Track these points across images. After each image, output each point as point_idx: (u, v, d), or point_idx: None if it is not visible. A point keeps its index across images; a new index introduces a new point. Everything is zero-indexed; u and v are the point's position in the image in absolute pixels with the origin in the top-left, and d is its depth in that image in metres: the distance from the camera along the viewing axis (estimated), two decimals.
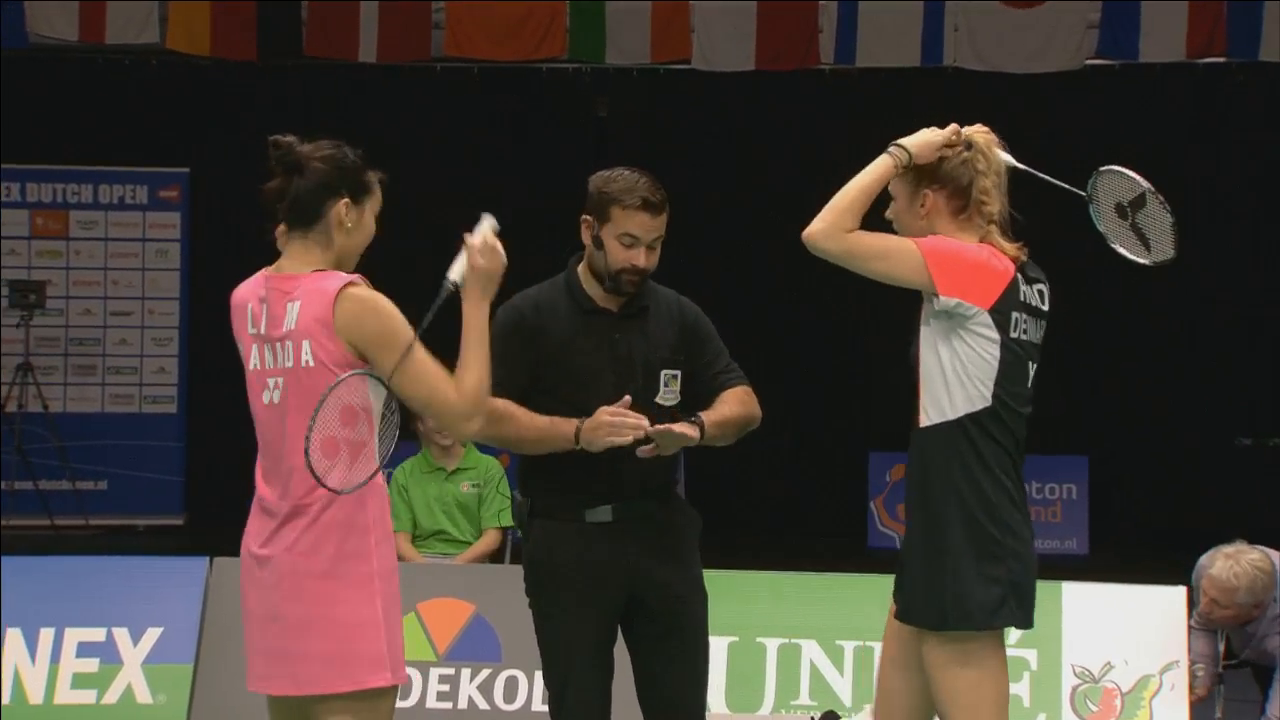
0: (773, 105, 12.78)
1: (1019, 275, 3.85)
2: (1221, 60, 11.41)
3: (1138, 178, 3.84)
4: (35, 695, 6.10)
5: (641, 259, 4.28)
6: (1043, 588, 6.12)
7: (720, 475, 10.90)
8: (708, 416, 4.28)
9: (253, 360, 3.64)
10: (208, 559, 6.37)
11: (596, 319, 4.33)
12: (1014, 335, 3.81)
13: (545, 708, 5.97)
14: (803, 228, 3.95)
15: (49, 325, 12.59)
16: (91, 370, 12.87)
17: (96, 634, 6.21)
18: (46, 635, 6.20)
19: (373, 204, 3.65)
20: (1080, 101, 12.28)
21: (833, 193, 4.02)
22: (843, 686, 6.07)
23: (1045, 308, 3.92)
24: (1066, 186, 3.85)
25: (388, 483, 7.16)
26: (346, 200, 3.59)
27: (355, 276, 3.58)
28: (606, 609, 4.33)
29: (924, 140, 3.89)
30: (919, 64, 11.56)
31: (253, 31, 11.68)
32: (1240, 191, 12.80)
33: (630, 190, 4.26)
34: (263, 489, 3.62)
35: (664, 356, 4.35)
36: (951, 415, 3.80)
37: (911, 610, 3.84)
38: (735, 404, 4.37)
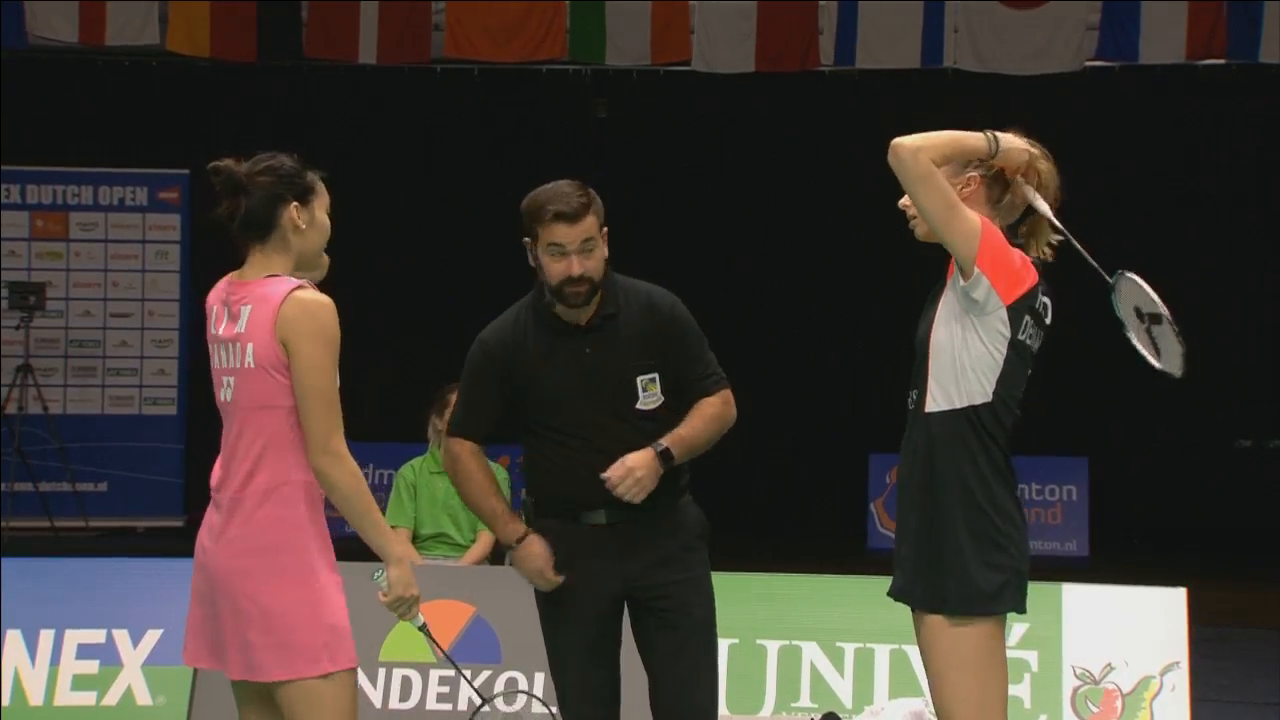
0: (773, 107, 12.79)
1: (1039, 284, 3.90)
2: (1221, 62, 11.42)
3: (1159, 301, 3.87)
4: (35, 697, 6.10)
5: (575, 267, 4.27)
6: (1043, 589, 6.15)
7: (721, 476, 10.91)
8: (671, 441, 4.29)
9: (214, 359, 3.86)
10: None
11: (565, 337, 4.35)
12: (1020, 337, 3.85)
13: (544, 709, 6.01)
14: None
15: (49, 327, 12.59)
16: (91, 372, 12.87)
17: (96, 635, 6.21)
18: (46, 637, 6.19)
19: (320, 202, 3.86)
20: (1080, 103, 12.28)
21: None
22: (843, 688, 6.06)
23: (1048, 320, 3.98)
24: (1094, 264, 3.87)
25: (393, 479, 7.21)
26: (295, 204, 3.80)
27: (304, 281, 3.77)
28: (604, 610, 4.35)
29: (1011, 146, 3.90)
30: (919, 65, 11.56)
31: (253, 33, 11.68)
32: (1240, 193, 12.80)
33: (545, 204, 4.30)
34: (214, 481, 3.85)
35: (636, 363, 4.34)
36: (959, 404, 3.83)
37: (912, 592, 3.85)
38: (700, 420, 4.36)
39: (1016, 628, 6.01)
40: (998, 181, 3.93)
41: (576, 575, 4.29)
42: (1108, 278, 3.90)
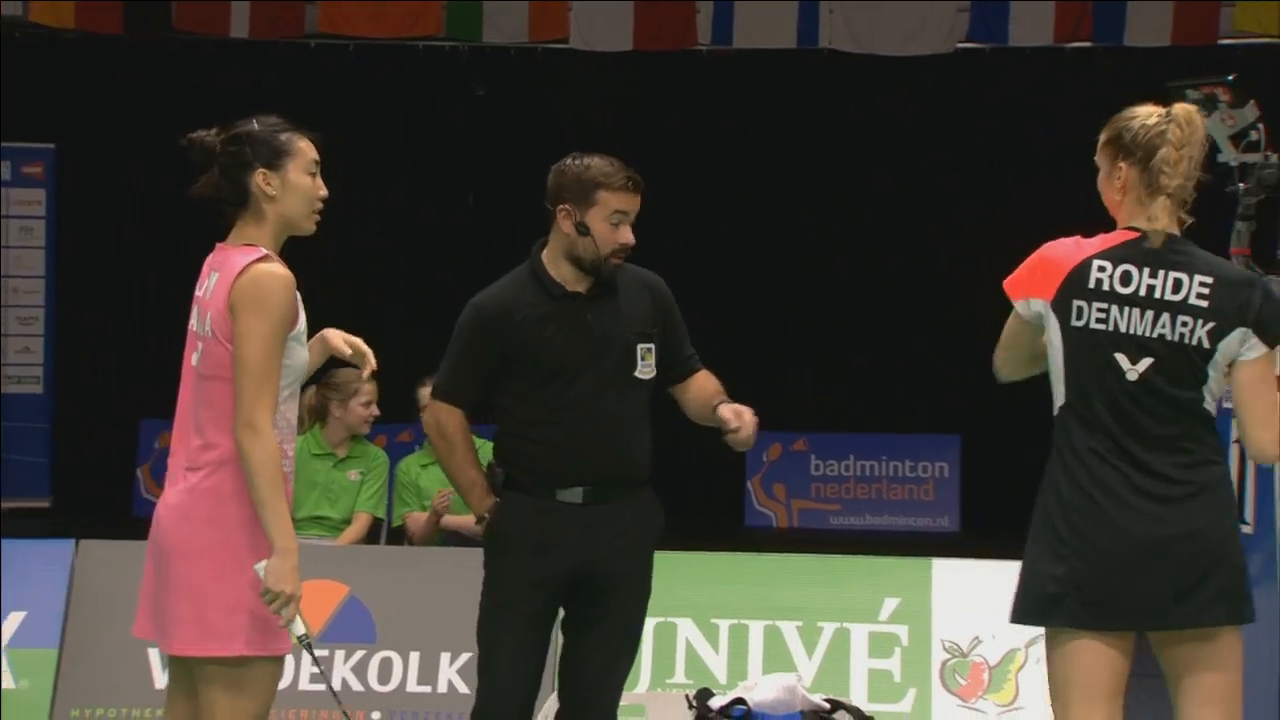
0: (652, 86, 12.79)
1: (1092, 261, 3.64)
2: (1088, 45, 11.64)
3: None
4: None
5: (630, 236, 4.36)
6: (913, 564, 6.25)
7: None
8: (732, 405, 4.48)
9: (191, 322, 3.83)
10: (74, 542, 6.25)
11: (567, 303, 4.36)
12: (1077, 324, 3.64)
13: (419, 689, 5.98)
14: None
15: None
16: None
17: None
18: None
19: (296, 164, 3.75)
20: (952, 83, 12.44)
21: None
22: (718, 664, 6.11)
23: (1171, 295, 3.60)
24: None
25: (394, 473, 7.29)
26: (262, 171, 3.72)
27: (267, 253, 3.72)
28: (554, 587, 4.37)
29: None
30: (795, 45, 11.65)
31: (119, 5, 11.45)
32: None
33: (613, 172, 4.34)
34: (171, 447, 3.80)
35: (639, 331, 4.41)
36: (1057, 406, 3.75)
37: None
38: (715, 388, 4.57)
39: (888, 602, 6.10)
40: (1147, 166, 3.69)
41: (539, 548, 4.29)
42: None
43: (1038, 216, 13.22)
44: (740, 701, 5.55)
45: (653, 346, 4.44)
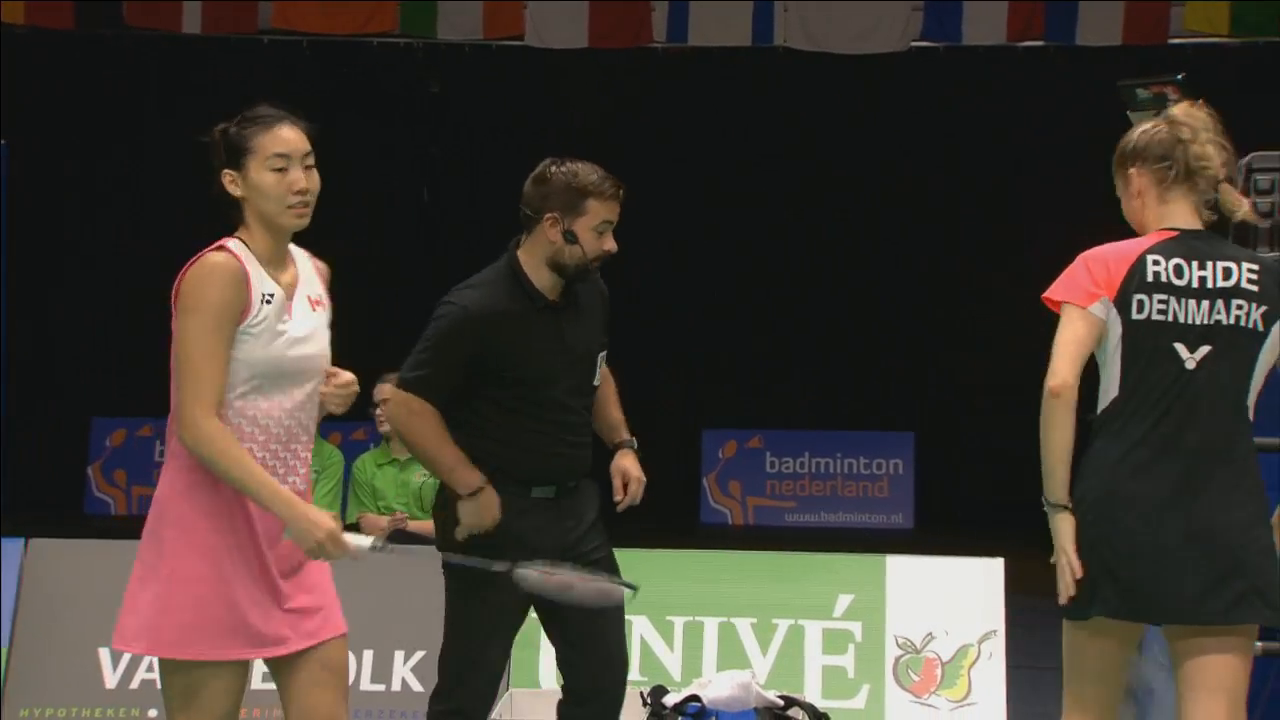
0: (607, 83, 12.80)
1: (1147, 256, 3.71)
2: (1040, 44, 11.71)
3: None
4: None
5: (614, 244, 4.40)
6: (867, 561, 6.27)
7: None
8: (629, 433, 4.62)
9: None
10: (24, 541, 6.20)
11: (548, 313, 4.39)
12: (1138, 317, 3.69)
13: (373, 687, 5.96)
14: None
15: None
16: None
17: None
18: None
19: (256, 161, 3.62)
20: (907, 82, 12.49)
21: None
22: (672, 661, 6.11)
23: (1223, 283, 3.70)
24: None
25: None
26: (228, 171, 3.64)
27: (221, 244, 3.60)
28: None
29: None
30: (750, 43, 11.67)
31: (70, 2, 11.36)
32: (1065, 168, 13.13)
33: (602, 181, 4.37)
34: None
35: (600, 341, 4.51)
36: (1106, 402, 3.73)
37: None
38: (617, 400, 4.66)
39: (842, 599, 6.12)
40: (1160, 166, 3.80)
41: (519, 543, 4.27)
42: None
43: (993, 213, 13.36)
44: (695, 698, 5.56)
45: (605, 354, 4.53)
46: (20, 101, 12.13)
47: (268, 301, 3.58)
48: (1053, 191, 12.90)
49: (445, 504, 4.42)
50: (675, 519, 11.82)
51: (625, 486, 4.49)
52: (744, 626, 6.11)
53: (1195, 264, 3.71)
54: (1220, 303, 3.69)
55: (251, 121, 3.65)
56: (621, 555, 4.60)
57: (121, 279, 12.94)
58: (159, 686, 3.66)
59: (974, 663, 5.96)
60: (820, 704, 5.75)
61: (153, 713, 5.82)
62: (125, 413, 12.75)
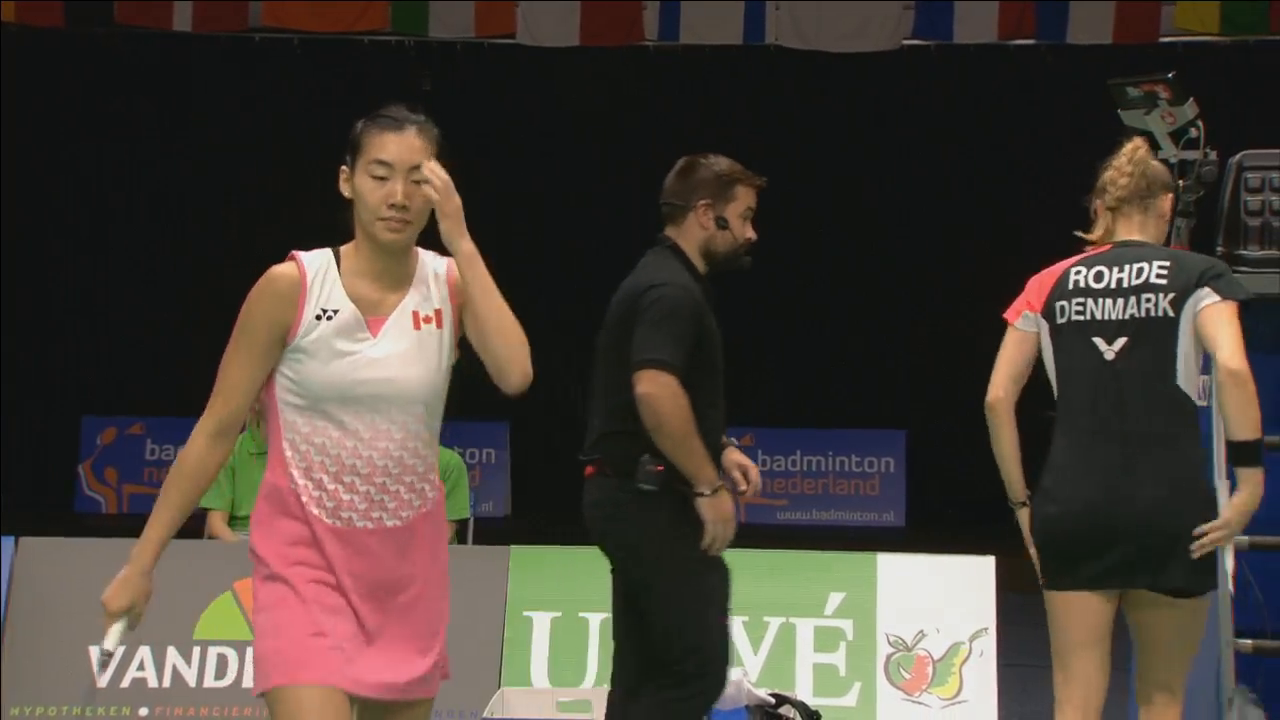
0: (598, 81, 12.80)
1: (1070, 270, 4.11)
2: (1031, 42, 11.73)
3: None
4: None
5: (754, 233, 4.54)
6: (858, 559, 6.27)
7: None
8: None
9: None
10: (14, 539, 6.19)
11: (711, 300, 4.49)
12: (1061, 321, 4.09)
13: None
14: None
15: None
16: None
17: None
18: None
19: (362, 163, 3.33)
20: (898, 80, 12.50)
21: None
22: None
23: (1135, 281, 4.04)
24: None
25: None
26: (344, 167, 3.38)
27: (292, 254, 3.40)
28: None
29: None
30: (741, 42, 11.67)
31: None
32: (1054, 167, 13.16)
33: (745, 169, 4.53)
34: None
35: None
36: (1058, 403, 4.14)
37: None
38: None
39: (833, 597, 6.12)
40: (1100, 194, 4.22)
41: (699, 535, 4.33)
42: None
43: (984, 211, 13.36)
44: None
45: None
46: (10, 100, 12.12)
47: (326, 318, 3.27)
48: (1043, 190, 12.92)
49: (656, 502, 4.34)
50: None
51: (746, 477, 4.52)
52: (735, 624, 6.11)
53: (1115, 269, 4.07)
54: (1133, 298, 4.02)
55: (373, 120, 3.34)
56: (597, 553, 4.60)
57: (112, 278, 12.92)
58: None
59: (965, 660, 5.97)
60: (812, 702, 5.75)
61: (143, 711, 5.81)
62: (116, 411, 12.73)
